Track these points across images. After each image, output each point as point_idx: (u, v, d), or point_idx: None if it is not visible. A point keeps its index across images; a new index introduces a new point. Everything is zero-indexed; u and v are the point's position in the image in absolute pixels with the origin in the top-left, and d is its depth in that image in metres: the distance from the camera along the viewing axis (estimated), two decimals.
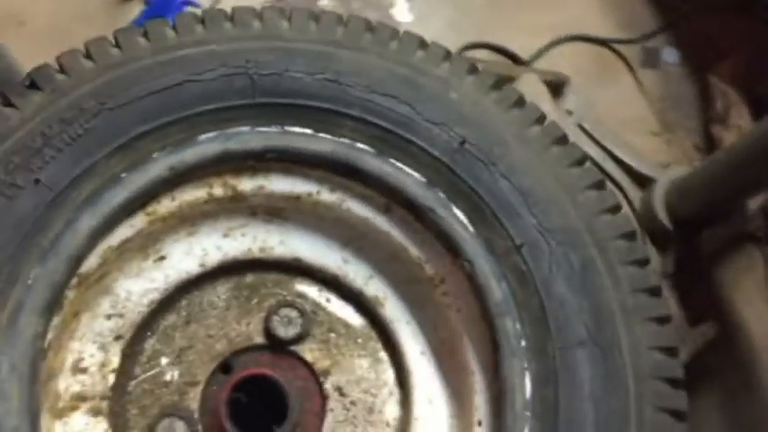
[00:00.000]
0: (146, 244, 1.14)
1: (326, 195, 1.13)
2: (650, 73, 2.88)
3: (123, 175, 1.03)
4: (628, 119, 2.81)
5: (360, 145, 1.07)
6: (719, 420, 2.06)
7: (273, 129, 1.07)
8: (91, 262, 1.06)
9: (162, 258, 1.16)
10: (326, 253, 1.20)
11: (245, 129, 1.07)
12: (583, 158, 1.11)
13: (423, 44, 1.14)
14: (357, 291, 1.19)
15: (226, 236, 1.18)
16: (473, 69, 1.14)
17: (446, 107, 1.07)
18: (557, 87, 2.71)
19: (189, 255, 1.17)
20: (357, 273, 1.19)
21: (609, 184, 1.13)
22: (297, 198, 1.14)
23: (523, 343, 1.00)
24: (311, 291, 1.21)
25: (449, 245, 1.06)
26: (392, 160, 1.07)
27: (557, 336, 0.99)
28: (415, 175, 1.06)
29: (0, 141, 1.02)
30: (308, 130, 1.08)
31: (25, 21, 2.72)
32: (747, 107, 2.64)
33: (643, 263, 1.07)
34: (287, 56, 1.08)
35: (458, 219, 1.05)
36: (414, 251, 1.13)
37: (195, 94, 1.06)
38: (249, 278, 1.21)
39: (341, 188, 1.12)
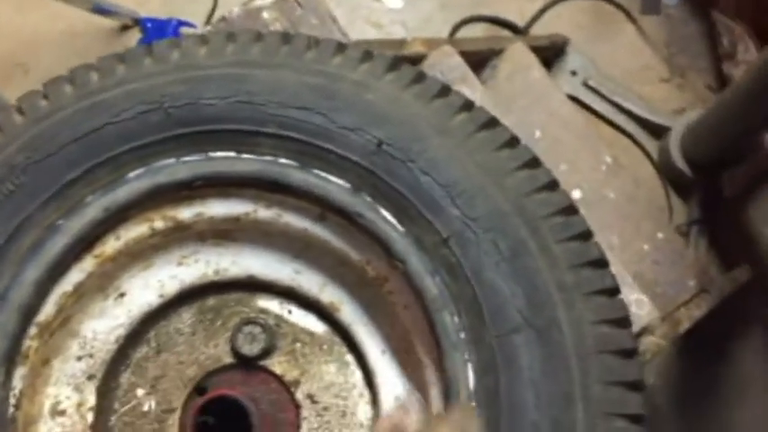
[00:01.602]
0: (103, 284, 1.19)
1: (263, 212, 1.16)
2: (652, 19, 2.81)
3: (60, 222, 1.08)
4: (635, 69, 2.76)
5: (282, 160, 1.09)
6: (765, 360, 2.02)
7: (197, 157, 1.10)
8: (48, 310, 1.11)
9: (122, 295, 1.20)
10: (278, 267, 1.22)
11: (171, 161, 1.10)
12: (512, 139, 1.10)
13: (340, 49, 1.15)
14: (314, 299, 1.22)
15: (180, 264, 1.22)
16: (392, 66, 1.14)
17: (361, 111, 1.08)
18: (557, 49, 2.67)
19: (147, 288, 1.21)
20: (311, 282, 1.21)
21: (541, 161, 1.10)
22: (237, 219, 1.17)
23: (462, 335, 1.00)
24: (272, 305, 1.24)
25: (382, 246, 1.07)
26: (316, 171, 1.08)
27: (492, 324, 0.99)
28: (340, 182, 1.08)
29: None
30: (232, 153, 1.10)
31: (29, 68, 2.83)
32: (754, 41, 2.56)
33: (584, 236, 1.06)
34: (200, 84, 1.11)
35: (386, 220, 1.06)
36: (354, 255, 1.14)
37: (116, 134, 1.09)
38: (211, 301, 1.25)
39: (276, 204, 1.15)
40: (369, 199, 1.07)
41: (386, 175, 1.05)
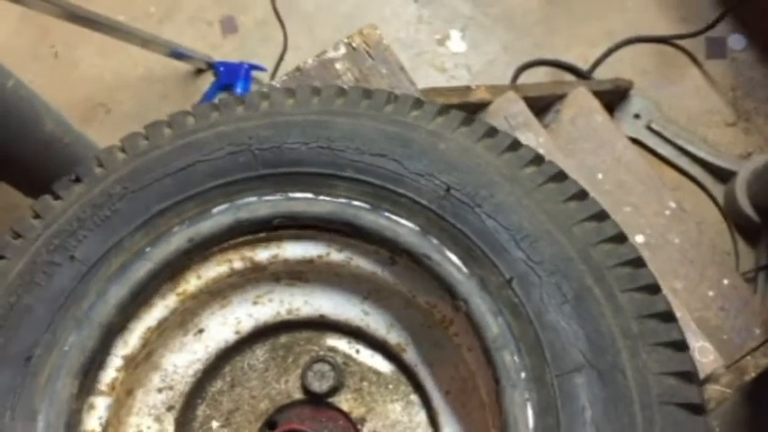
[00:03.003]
0: (184, 321, 1.27)
1: (336, 255, 1.23)
2: (718, 63, 2.83)
3: (147, 249, 1.16)
4: (700, 113, 2.78)
5: (356, 203, 1.15)
6: None
7: (278, 196, 1.17)
8: (134, 343, 1.19)
9: (201, 331, 1.28)
10: (348, 308, 1.29)
11: (253, 199, 1.18)
12: (582, 193, 1.14)
13: (418, 103, 1.22)
14: (381, 339, 1.27)
15: (255, 303, 1.29)
16: (467, 121, 1.20)
17: (433, 158, 1.14)
18: (621, 93, 2.70)
19: (225, 325, 1.29)
20: (378, 323, 1.27)
21: (611, 217, 1.13)
22: (310, 261, 1.24)
23: (523, 374, 1.03)
24: (340, 344, 1.30)
25: (447, 287, 1.11)
26: (386, 213, 1.14)
27: (553, 363, 1.02)
28: (409, 224, 1.13)
29: (45, 229, 1.19)
30: (309, 195, 1.17)
31: (111, 108, 3.00)
32: None
33: (651, 289, 1.09)
34: (285, 129, 1.19)
35: (451, 261, 1.11)
36: (422, 297, 1.19)
37: (205, 172, 1.18)
38: (282, 339, 1.31)
39: (347, 247, 1.21)
40: (435, 241, 1.12)
41: (453, 218, 1.10)
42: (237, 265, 1.23)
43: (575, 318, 1.04)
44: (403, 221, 1.14)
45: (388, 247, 1.16)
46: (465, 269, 1.10)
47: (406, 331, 1.25)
